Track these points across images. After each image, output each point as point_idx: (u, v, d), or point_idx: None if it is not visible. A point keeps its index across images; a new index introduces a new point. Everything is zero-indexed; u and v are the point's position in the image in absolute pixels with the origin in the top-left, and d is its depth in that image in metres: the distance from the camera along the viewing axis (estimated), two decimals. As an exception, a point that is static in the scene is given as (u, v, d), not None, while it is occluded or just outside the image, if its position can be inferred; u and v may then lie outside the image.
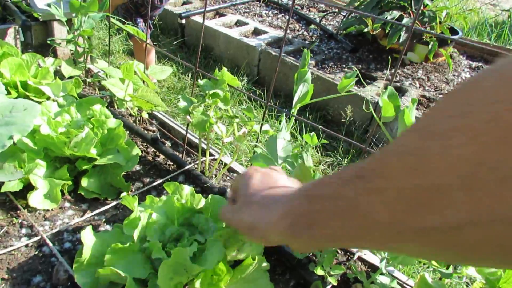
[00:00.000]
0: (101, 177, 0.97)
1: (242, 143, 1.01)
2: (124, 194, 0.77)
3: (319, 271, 0.83)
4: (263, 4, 3.92)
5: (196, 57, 3.07)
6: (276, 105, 0.79)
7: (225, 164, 1.20)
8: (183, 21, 3.19)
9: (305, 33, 3.34)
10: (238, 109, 2.26)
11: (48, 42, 1.58)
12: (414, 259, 0.84)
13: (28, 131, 0.76)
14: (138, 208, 0.75)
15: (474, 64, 3.04)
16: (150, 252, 0.66)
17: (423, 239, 0.27)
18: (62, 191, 0.91)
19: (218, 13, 3.48)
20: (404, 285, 0.92)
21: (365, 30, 2.51)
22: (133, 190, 1.03)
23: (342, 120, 2.23)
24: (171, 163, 1.19)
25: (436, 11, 2.67)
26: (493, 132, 0.22)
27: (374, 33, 2.46)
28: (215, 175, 1.17)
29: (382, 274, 0.87)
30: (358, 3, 2.87)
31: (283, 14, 3.72)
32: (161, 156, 1.23)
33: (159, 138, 1.24)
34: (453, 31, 2.87)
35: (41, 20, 1.69)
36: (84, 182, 0.94)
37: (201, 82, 0.97)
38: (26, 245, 0.79)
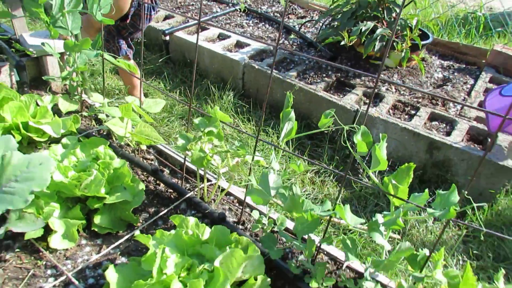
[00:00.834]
0: (112, 213, 1.07)
1: (236, 172, 1.12)
2: (138, 232, 0.88)
3: (314, 284, 0.96)
4: (243, 14, 4.02)
5: (182, 73, 3.15)
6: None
7: (223, 189, 1.32)
8: (167, 38, 3.27)
9: (285, 42, 3.46)
10: (233, 131, 2.36)
11: (44, 79, 1.66)
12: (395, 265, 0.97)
13: (46, 185, 0.83)
14: (151, 243, 0.86)
15: (445, 63, 3.22)
16: (168, 284, 0.77)
17: None
18: (77, 230, 1.01)
19: (201, 27, 3.57)
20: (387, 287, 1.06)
21: (342, 43, 2.64)
22: (141, 221, 1.14)
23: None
24: (172, 191, 1.30)
25: (407, 19, 2.83)
26: None
27: (351, 44, 2.61)
28: (214, 200, 1.28)
29: (367, 280, 1.00)
30: (334, 13, 3.01)
31: (263, 23, 3.84)
32: (162, 184, 1.33)
33: (158, 167, 1.35)
34: (424, 35, 3.04)
35: (34, 56, 1.76)
36: (97, 219, 1.04)
37: (196, 121, 1.08)
38: (54, 286, 0.88)
